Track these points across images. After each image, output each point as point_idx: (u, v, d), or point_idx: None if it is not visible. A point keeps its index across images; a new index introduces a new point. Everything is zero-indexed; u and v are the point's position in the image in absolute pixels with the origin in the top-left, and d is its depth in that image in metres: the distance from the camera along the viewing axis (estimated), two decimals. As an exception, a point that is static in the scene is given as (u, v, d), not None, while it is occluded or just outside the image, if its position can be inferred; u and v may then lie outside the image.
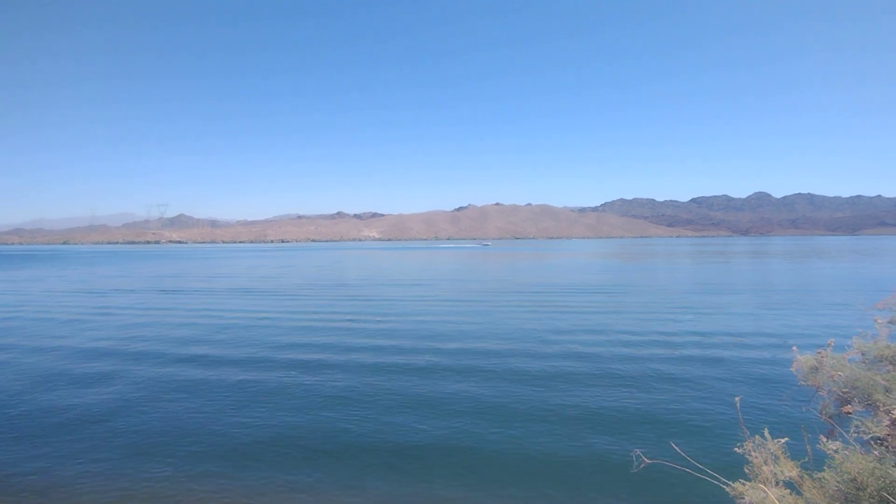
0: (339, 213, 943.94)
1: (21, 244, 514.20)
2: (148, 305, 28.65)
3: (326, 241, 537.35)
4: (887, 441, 3.03)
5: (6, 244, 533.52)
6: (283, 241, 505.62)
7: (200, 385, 12.80)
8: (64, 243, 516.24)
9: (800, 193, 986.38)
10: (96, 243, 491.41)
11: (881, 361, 3.83)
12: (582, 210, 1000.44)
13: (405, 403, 11.30)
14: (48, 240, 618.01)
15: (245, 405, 11.36)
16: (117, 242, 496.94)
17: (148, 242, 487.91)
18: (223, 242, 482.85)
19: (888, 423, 2.98)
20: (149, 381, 13.29)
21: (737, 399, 4.47)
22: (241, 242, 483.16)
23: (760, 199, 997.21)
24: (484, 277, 48.41)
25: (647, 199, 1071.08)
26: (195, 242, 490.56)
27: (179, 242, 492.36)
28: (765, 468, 3.42)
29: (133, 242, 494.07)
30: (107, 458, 8.75)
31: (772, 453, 3.47)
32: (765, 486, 3.24)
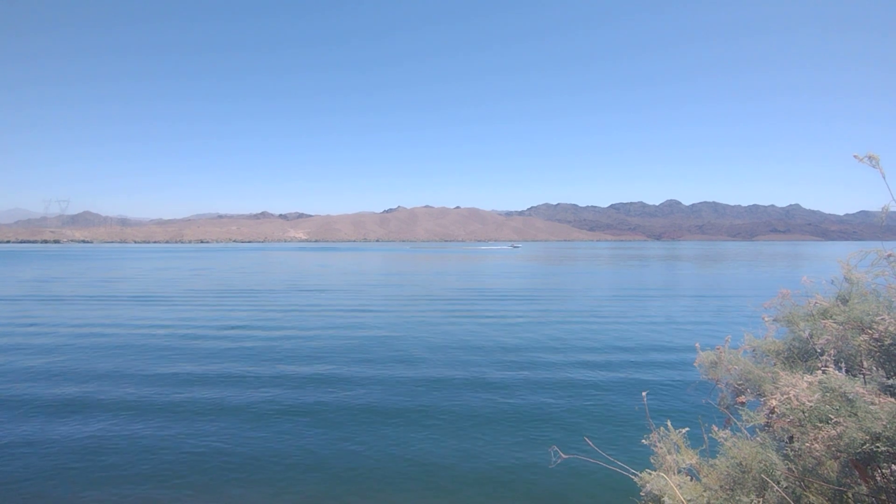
0: (263, 213, 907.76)
1: None
2: (13, 317, 24.28)
3: (249, 241, 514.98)
4: (773, 428, 3.28)
5: None
6: (202, 242, 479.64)
7: (60, 425, 10.21)
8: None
9: (706, 201, 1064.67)
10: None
11: (768, 355, 4.19)
12: (509, 214, 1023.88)
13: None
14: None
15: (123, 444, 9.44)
16: (8, 241, 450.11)
17: (45, 242, 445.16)
18: (135, 242, 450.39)
19: (766, 411, 3.24)
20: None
21: (644, 394, 4.83)
22: (155, 242, 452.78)
23: (672, 206, 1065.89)
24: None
25: (571, 204, 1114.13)
26: (102, 242, 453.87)
27: (84, 242, 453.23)
28: (668, 457, 3.64)
29: (27, 241, 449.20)
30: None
31: (674, 443, 3.71)
32: (667, 474, 3.44)
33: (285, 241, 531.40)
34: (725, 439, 3.36)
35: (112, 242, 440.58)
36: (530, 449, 8.99)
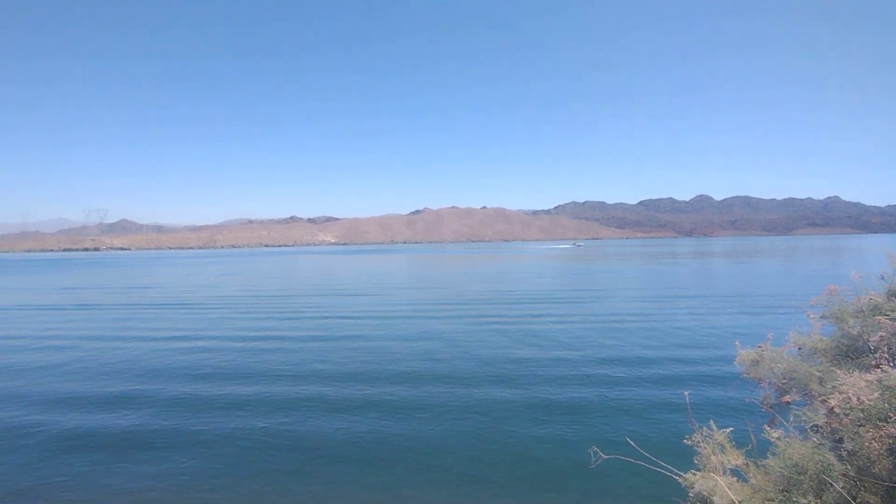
0: (292, 218, 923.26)
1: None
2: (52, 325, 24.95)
3: (280, 245, 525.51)
4: (824, 428, 3.20)
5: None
6: (233, 247, 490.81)
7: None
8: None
9: (738, 196, 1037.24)
10: (29, 251, 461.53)
11: (815, 354, 4.08)
12: (535, 213, 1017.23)
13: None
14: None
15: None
16: (52, 250, 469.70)
17: (86, 250, 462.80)
18: (169, 249, 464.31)
19: (825, 412, 3.16)
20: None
21: (685, 393, 4.64)
22: (189, 248, 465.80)
23: (702, 201, 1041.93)
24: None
25: (598, 201, 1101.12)
26: (139, 249, 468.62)
27: (121, 249, 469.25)
28: (713, 458, 3.54)
29: (69, 250, 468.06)
30: None
31: (718, 443, 3.60)
32: (714, 474, 3.35)
33: (314, 245, 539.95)
34: (778, 440, 3.26)
35: (148, 249, 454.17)
36: (569, 450, 8.93)
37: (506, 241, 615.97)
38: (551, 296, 32.54)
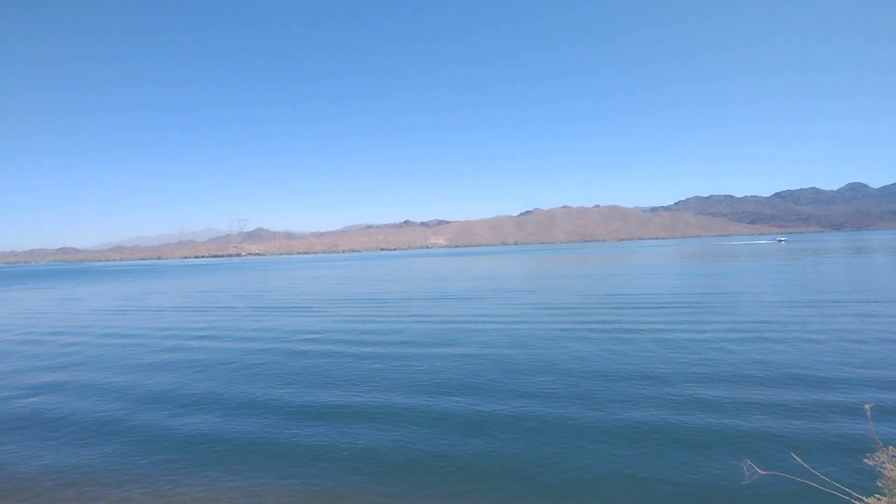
0: (406, 222, 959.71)
1: (121, 260, 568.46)
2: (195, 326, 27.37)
3: (395, 249, 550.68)
4: None
5: (109, 261, 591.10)
6: (353, 251, 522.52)
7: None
8: (158, 258, 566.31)
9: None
10: (185, 257, 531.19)
11: None
12: (654, 209, 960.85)
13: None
14: (144, 255, 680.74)
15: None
16: (203, 256, 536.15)
17: (230, 255, 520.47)
18: (298, 254, 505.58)
19: None
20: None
21: (867, 407, 4.20)
22: (314, 253, 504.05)
23: (855, 190, 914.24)
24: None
25: (725, 195, 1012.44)
26: (272, 254, 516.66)
27: (258, 255, 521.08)
28: None
29: (217, 256, 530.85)
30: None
31: None
32: None
33: (427, 248, 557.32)
34: None
35: (280, 254, 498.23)
36: (715, 464, 8.09)
37: (621, 240, 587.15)
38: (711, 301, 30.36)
